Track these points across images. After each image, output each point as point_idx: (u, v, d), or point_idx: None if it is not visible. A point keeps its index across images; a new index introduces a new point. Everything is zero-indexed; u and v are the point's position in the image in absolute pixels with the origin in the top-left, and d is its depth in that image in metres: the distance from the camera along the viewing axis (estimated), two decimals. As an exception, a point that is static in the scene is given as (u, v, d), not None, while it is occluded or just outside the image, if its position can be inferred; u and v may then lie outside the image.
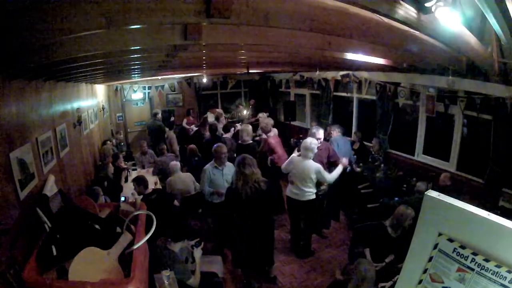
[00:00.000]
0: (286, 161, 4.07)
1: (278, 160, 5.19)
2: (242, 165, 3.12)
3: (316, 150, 3.88)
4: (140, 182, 3.86)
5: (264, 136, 5.46)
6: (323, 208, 4.46)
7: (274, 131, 5.51)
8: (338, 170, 3.92)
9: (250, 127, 5.06)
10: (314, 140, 3.90)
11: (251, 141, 4.95)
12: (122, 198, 4.14)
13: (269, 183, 3.25)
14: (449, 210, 1.15)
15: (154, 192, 3.86)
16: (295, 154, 4.03)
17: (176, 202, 4.07)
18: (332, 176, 3.87)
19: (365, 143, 6.04)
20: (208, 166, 3.89)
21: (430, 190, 1.26)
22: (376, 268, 2.98)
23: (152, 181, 4.83)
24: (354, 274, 2.35)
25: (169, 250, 2.62)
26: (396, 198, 4.15)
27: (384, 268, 2.97)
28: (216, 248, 4.02)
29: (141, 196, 3.68)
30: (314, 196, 3.91)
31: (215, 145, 3.92)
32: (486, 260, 1.04)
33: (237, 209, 3.19)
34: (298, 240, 4.20)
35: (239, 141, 5.01)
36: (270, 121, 5.64)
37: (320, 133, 4.18)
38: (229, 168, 3.87)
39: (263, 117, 6.80)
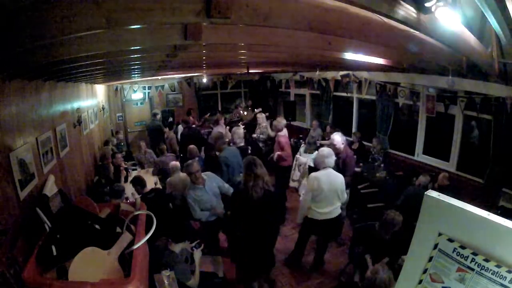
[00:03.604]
0: (309, 183, 3.52)
1: (287, 159, 5.20)
2: (254, 165, 2.98)
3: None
4: (136, 182, 3.89)
5: (273, 134, 5.48)
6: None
7: (285, 131, 5.52)
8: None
9: (241, 129, 5.07)
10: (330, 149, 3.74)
11: (243, 144, 4.93)
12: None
13: (277, 186, 3.16)
14: (449, 210, 1.15)
15: (152, 191, 3.87)
16: (298, 156, 3.97)
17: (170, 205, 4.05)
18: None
19: (365, 143, 6.04)
20: (189, 191, 3.47)
21: (430, 190, 1.26)
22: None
23: (152, 181, 4.83)
24: (378, 283, 2.28)
25: (169, 251, 2.62)
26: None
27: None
28: (216, 249, 4.01)
29: (140, 196, 3.69)
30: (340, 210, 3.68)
31: (184, 165, 3.60)
32: (486, 260, 1.04)
33: (244, 212, 3.04)
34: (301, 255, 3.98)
35: (231, 145, 4.95)
36: (282, 120, 5.59)
37: (338, 139, 4.09)
38: (211, 180, 3.64)
39: (262, 118, 6.82)
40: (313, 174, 3.55)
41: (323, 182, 3.44)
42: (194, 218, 3.57)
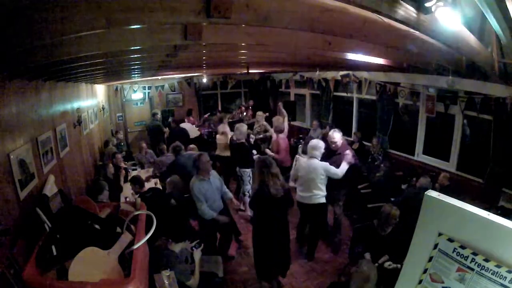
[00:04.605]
0: (293, 168, 3.96)
1: (284, 161, 5.26)
2: (270, 164, 3.04)
3: (323, 150, 3.84)
4: (135, 181, 3.91)
5: (274, 135, 5.52)
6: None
7: (285, 132, 5.55)
8: (345, 165, 3.80)
9: (244, 126, 5.14)
10: (321, 141, 3.87)
11: (243, 140, 5.03)
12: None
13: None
14: (449, 210, 1.15)
15: (149, 190, 3.88)
16: (298, 156, 4.05)
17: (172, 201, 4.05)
18: (341, 170, 3.76)
19: (365, 143, 6.04)
20: (194, 184, 3.47)
21: (430, 190, 1.26)
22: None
23: (152, 181, 4.83)
24: (357, 274, 2.32)
25: (169, 251, 2.62)
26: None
27: (379, 269, 2.98)
28: (216, 249, 4.01)
29: (138, 195, 3.70)
30: (323, 200, 3.81)
31: (196, 154, 3.69)
32: (486, 260, 1.04)
33: (267, 212, 3.08)
34: (302, 241, 4.26)
35: (235, 140, 5.11)
36: (284, 122, 5.65)
37: (336, 136, 4.04)
38: (214, 175, 3.70)
39: (261, 116, 6.83)
40: (298, 156, 3.94)
41: (301, 168, 3.83)
42: (198, 213, 3.57)
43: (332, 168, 3.74)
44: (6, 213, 1.85)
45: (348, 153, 3.86)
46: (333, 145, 4.05)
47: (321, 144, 3.81)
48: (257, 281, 3.48)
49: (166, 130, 7.53)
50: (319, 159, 3.80)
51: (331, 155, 4.04)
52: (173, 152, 4.91)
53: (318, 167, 3.72)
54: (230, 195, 4.00)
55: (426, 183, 3.90)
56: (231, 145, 5.24)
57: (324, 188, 3.79)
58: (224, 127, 6.16)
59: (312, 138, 6.60)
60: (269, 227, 3.14)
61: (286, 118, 5.85)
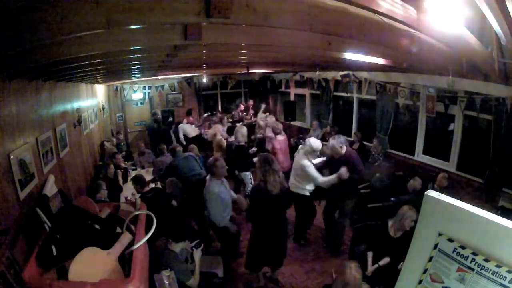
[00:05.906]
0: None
1: (283, 164, 5.26)
2: (272, 161, 3.10)
3: (318, 153, 3.95)
4: (137, 181, 3.89)
5: (272, 135, 5.51)
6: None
7: (283, 134, 5.52)
8: (333, 177, 3.66)
9: (244, 128, 5.13)
10: (317, 144, 3.88)
11: (243, 143, 5.03)
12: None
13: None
14: (449, 210, 1.15)
15: (150, 191, 3.87)
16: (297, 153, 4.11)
17: (174, 202, 4.06)
18: (323, 179, 3.75)
19: (365, 143, 6.04)
20: (214, 188, 3.34)
21: (430, 190, 1.26)
22: (370, 271, 2.98)
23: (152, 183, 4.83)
24: (340, 277, 2.24)
25: (169, 251, 2.62)
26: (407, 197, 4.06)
27: (379, 270, 2.96)
28: (216, 249, 4.00)
29: (139, 195, 3.69)
30: (304, 193, 3.99)
31: (211, 159, 3.58)
32: (486, 260, 1.04)
33: (264, 206, 3.11)
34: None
35: (236, 142, 5.09)
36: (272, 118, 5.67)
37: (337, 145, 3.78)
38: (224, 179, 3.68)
39: (262, 117, 6.82)
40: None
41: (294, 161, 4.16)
42: (198, 215, 3.55)
43: (311, 171, 3.80)
44: (6, 213, 1.86)
45: (344, 171, 3.56)
46: (336, 155, 3.84)
47: (315, 147, 3.85)
48: (257, 280, 3.49)
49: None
50: (308, 156, 3.90)
51: (337, 163, 3.78)
52: (170, 153, 4.93)
53: (299, 163, 3.91)
54: (234, 195, 3.96)
55: (418, 186, 3.87)
56: (233, 148, 5.20)
57: (304, 183, 3.96)
58: (216, 129, 6.14)
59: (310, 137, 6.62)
60: (263, 222, 3.17)
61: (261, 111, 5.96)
